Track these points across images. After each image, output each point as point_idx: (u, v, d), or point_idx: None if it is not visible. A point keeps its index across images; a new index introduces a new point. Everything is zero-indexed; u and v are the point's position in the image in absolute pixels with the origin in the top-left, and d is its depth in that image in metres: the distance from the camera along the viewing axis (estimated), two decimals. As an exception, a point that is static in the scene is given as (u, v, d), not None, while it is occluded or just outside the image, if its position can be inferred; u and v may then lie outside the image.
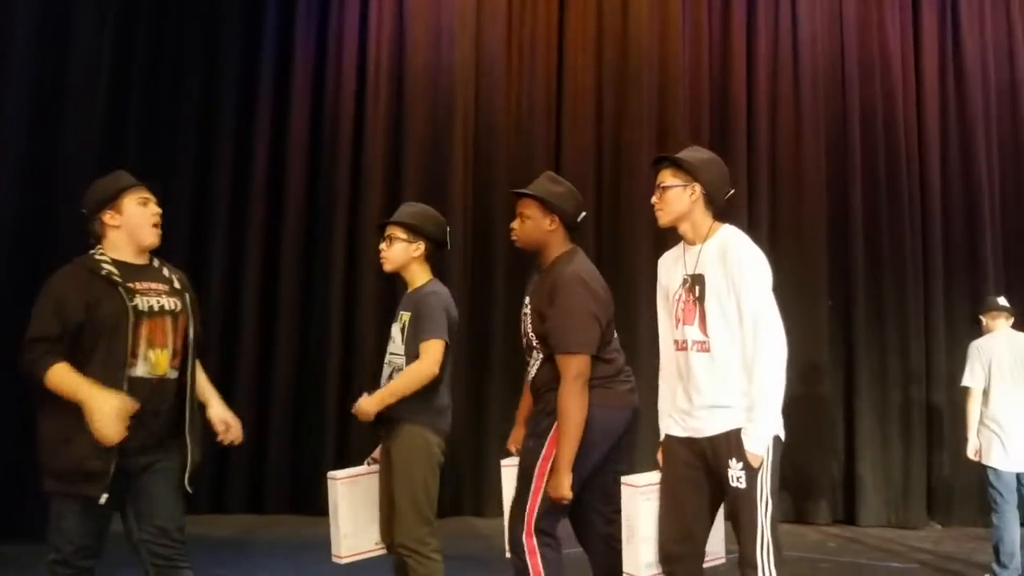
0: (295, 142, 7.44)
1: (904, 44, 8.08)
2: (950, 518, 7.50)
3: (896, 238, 7.77)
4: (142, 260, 2.99)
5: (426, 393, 3.32)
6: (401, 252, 3.49)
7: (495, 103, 7.65)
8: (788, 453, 7.79)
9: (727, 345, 2.80)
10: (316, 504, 6.84)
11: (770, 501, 2.74)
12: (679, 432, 2.92)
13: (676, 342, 2.96)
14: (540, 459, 3.11)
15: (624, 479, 3.06)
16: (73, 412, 2.71)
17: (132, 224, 2.94)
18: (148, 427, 2.85)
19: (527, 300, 3.34)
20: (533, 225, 3.30)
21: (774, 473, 2.78)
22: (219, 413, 3.11)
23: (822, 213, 7.78)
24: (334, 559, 3.47)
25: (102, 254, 2.93)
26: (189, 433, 2.94)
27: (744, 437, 2.74)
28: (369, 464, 3.57)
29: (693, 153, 3.00)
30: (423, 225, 3.51)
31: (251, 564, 5.31)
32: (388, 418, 3.34)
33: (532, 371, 3.30)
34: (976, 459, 5.30)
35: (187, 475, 2.93)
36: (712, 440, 2.81)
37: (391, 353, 3.49)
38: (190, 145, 7.35)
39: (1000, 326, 5.40)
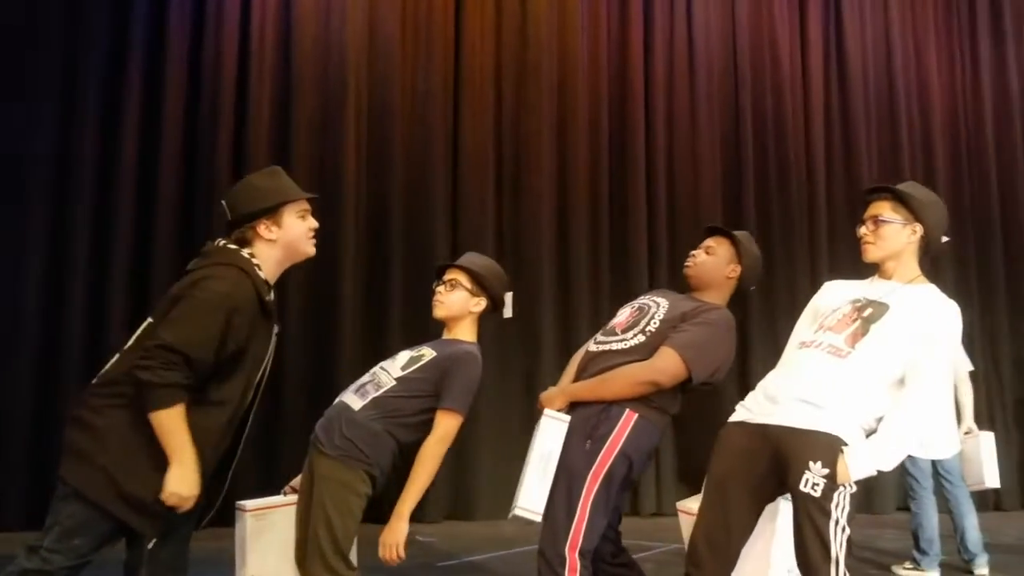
0: (168, 125, 6.54)
1: (792, 42, 8.36)
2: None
3: (786, 228, 8.01)
4: (274, 279, 2.74)
5: (389, 443, 2.95)
6: (460, 302, 3.17)
7: (389, 84, 7.16)
8: (691, 443, 7.60)
9: (865, 369, 2.58)
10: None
11: (846, 527, 2.51)
12: (746, 418, 2.71)
13: (803, 342, 2.74)
14: (596, 465, 2.86)
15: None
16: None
17: (289, 238, 2.70)
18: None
19: (660, 299, 3.16)
20: (715, 263, 3.16)
21: (853, 506, 2.57)
22: None
23: (717, 201, 7.90)
24: None
25: (259, 268, 2.63)
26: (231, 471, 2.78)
27: (850, 450, 2.51)
28: (286, 494, 3.09)
29: (917, 190, 2.78)
30: (493, 283, 3.21)
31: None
32: (334, 448, 2.91)
33: (606, 347, 3.06)
34: (893, 447, 5.34)
35: (215, 510, 2.74)
36: (795, 432, 2.56)
37: (384, 369, 3.09)
38: (48, 133, 6.28)
39: (914, 317, 5.46)
